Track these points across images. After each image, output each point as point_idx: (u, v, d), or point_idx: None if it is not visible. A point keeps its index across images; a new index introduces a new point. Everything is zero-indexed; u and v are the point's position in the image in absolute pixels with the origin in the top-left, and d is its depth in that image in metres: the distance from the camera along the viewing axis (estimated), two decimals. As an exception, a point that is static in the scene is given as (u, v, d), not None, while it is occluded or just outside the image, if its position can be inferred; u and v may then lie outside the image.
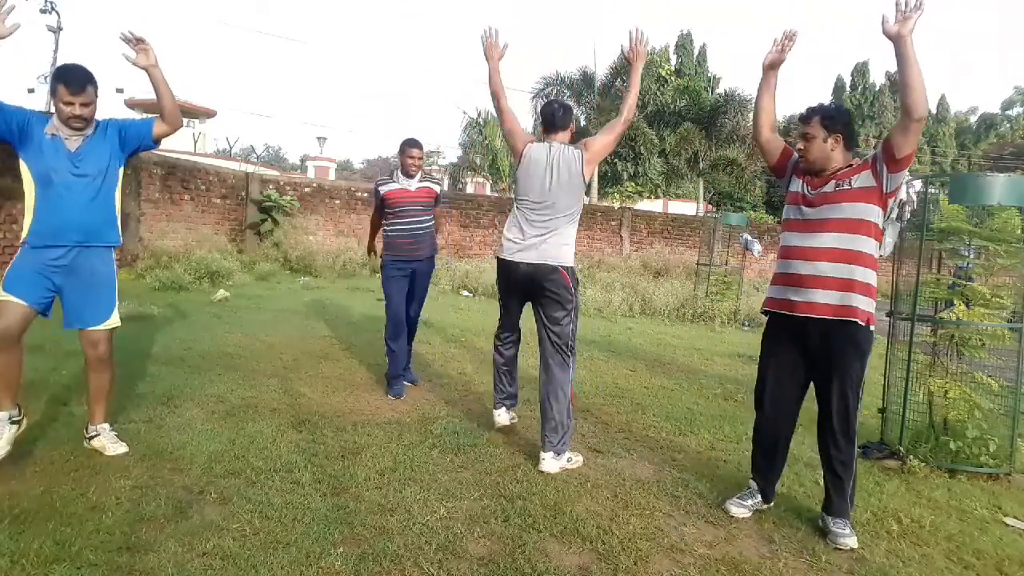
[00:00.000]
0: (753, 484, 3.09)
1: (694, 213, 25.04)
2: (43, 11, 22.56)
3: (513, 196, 3.59)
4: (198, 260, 10.02)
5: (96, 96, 3.00)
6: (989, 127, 44.07)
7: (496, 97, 3.70)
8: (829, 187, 2.82)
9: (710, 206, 31.38)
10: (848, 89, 43.77)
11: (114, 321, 3.17)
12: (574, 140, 3.64)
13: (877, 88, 43.93)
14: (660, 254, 17.10)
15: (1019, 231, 3.84)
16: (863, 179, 2.77)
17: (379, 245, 4.94)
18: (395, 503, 2.83)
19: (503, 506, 2.87)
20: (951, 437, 3.79)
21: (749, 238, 11.65)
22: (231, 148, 28.02)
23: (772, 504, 3.10)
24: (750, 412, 4.91)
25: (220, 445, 3.31)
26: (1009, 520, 3.18)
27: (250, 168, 19.00)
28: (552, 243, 3.44)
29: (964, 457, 3.72)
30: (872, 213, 2.76)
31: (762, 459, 3.09)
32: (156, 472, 2.96)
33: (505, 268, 3.54)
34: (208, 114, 38.85)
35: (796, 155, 2.98)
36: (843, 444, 2.84)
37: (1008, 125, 43.87)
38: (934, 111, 45.16)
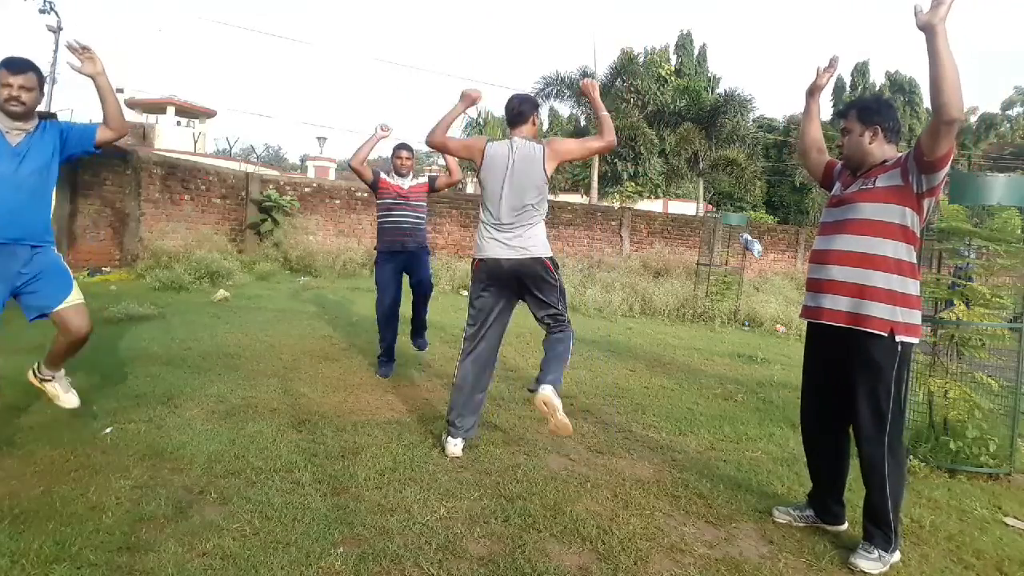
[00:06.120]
0: (809, 505, 2.98)
1: (694, 213, 25.03)
2: (43, 11, 22.57)
3: (480, 198, 3.61)
4: (198, 260, 10.01)
5: (39, 87, 2.95)
6: (989, 127, 43.96)
7: (445, 148, 3.79)
8: (855, 186, 2.69)
9: (710, 206, 31.37)
10: (848, 89, 43.69)
11: (77, 295, 3.09)
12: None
13: (877, 88, 43.85)
14: (660, 254, 17.08)
15: (1019, 231, 3.85)
16: (889, 178, 2.58)
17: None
18: (395, 503, 2.83)
19: (503, 506, 2.87)
20: (951, 437, 3.79)
21: (749, 238, 11.63)
22: (231, 148, 28.07)
23: (844, 527, 2.89)
24: (750, 412, 4.94)
25: (220, 445, 3.31)
26: (1009, 520, 3.18)
27: (250, 168, 19.02)
28: (528, 237, 3.46)
29: (964, 457, 3.72)
30: (898, 214, 2.56)
31: (808, 469, 3.00)
32: (156, 472, 2.95)
33: (488, 268, 3.51)
34: (208, 114, 38.87)
35: (840, 164, 2.90)
36: (869, 467, 2.63)
37: (1008, 125, 43.75)
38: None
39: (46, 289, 3.01)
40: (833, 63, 2.99)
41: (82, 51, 3.06)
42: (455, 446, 3.46)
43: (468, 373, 3.55)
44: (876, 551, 2.60)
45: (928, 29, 2.28)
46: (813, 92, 3.03)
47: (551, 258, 3.52)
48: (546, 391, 3.29)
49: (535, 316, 3.60)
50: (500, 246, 3.47)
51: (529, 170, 3.46)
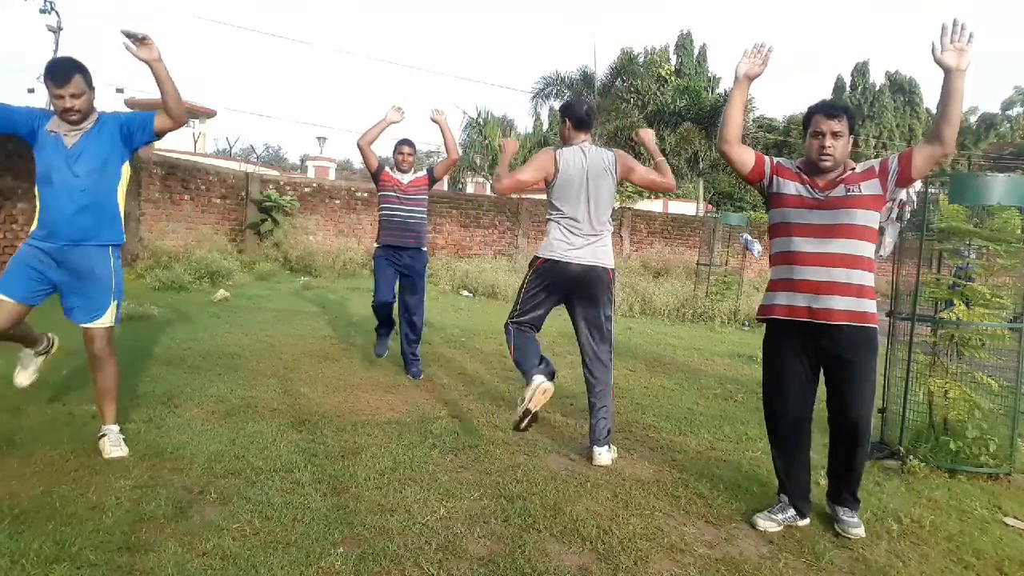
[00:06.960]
0: (783, 499, 2.98)
1: (694, 213, 25.02)
2: (43, 11, 22.57)
3: (551, 206, 3.58)
4: (198, 260, 10.01)
5: (89, 86, 2.95)
6: (989, 127, 43.89)
7: (521, 187, 3.69)
8: (839, 191, 2.76)
9: (710, 206, 31.35)
10: (848, 89, 43.71)
11: (107, 320, 3.11)
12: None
13: (877, 88, 43.89)
14: (660, 254, 17.08)
15: (1019, 231, 3.84)
16: (872, 187, 2.76)
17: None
18: (395, 503, 2.83)
19: (503, 506, 2.87)
20: (951, 437, 3.79)
21: (749, 238, 11.64)
22: (231, 148, 28.09)
23: (808, 521, 2.95)
24: (750, 412, 4.94)
25: (220, 445, 3.31)
26: (1009, 520, 3.18)
27: (250, 168, 19.02)
28: (601, 247, 3.54)
29: (964, 457, 3.72)
30: (874, 219, 2.81)
31: (785, 470, 3.00)
32: (156, 472, 2.95)
33: (556, 269, 3.50)
34: (208, 114, 38.78)
35: (788, 162, 2.94)
36: (862, 447, 2.87)
37: (1008, 125, 43.68)
38: (934, 111, 45.10)
39: (80, 303, 3.08)
40: (759, 48, 2.89)
41: (140, 40, 2.98)
42: (540, 380, 3.35)
43: (517, 337, 3.56)
44: (856, 516, 2.89)
45: (953, 72, 2.54)
46: (753, 77, 2.94)
47: (615, 270, 3.61)
48: (603, 458, 3.49)
49: (577, 327, 3.59)
50: (575, 250, 3.49)
51: (604, 176, 3.52)
